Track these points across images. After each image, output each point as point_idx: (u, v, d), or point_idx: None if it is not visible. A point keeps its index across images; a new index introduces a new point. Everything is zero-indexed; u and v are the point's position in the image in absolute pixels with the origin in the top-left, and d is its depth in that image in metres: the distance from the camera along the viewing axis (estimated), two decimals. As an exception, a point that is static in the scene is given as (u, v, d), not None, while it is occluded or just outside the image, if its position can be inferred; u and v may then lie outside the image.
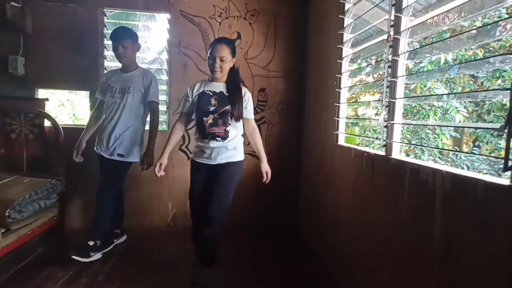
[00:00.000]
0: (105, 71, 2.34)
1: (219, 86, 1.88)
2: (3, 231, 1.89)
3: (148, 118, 2.31)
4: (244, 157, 1.97)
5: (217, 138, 1.84)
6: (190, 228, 1.99)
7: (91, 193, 2.70)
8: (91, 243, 2.13)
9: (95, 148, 2.27)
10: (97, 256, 2.15)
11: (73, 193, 2.68)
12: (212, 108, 1.83)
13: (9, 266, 2.01)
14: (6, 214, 1.89)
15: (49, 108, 2.71)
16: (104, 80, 2.29)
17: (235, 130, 1.89)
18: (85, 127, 2.34)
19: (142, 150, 2.27)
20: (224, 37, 2.03)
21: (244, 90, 1.91)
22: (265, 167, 1.95)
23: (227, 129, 1.85)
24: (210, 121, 1.83)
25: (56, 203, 2.44)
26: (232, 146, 1.89)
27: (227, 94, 1.86)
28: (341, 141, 2.08)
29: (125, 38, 2.16)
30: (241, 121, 1.89)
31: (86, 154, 2.69)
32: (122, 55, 2.18)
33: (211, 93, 1.86)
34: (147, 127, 2.32)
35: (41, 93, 2.74)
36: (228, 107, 1.83)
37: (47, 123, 2.59)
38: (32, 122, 2.58)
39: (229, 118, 1.84)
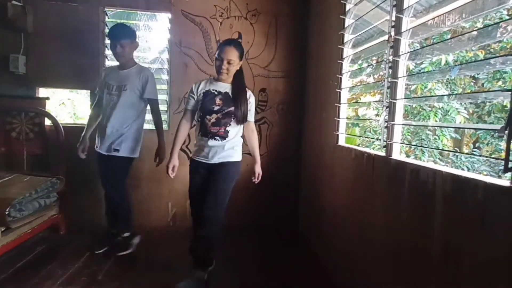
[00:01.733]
0: (104, 68, 2.33)
1: (225, 86, 1.89)
2: (3, 229, 1.88)
3: (148, 117, 2.33)
4: (241, 158, 1.97)
5: (216, 137, 1.85)
6: (190, 228, 2.00)
7: (91, 192, 2.72)
8: (126, 234, 2.31)
9: (95, 147, 2.27)
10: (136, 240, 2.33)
11: (73, 192, 2.68)
12: (216, 108, 1.84)
13: (9, 264, 2.01)
14: (6, 213, 1.88)
15: (49, 107, 2.72)
16: (102, 77, 2.29)
17: (235, 130, 1.90)
18: (85, 125, 2.34)
19: (140, 147, 2.30)
20: (234, 39, 2.01)
21: (249, 93, 1.93)
22: (258, 169, 2.00)
23: (227, 129, 1.86)
24: (213, 120, 1.84)
25: (56, 201, 2.44)
26: (230, 146, 1.89)
27: (231, 95, 1.87)
28: (342, 141, 2.08)
29: (124, 37, 2.14)
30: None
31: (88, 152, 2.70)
32: (120, 54, 2.17)
33: (216, 93, 1.86)
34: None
35: (42, 92, 2.74)
36: (232, 108, 1.84)
37: (47, 122, 2.59)
38: (33, 121, 2.58)
39: (232, 119, 1.86)
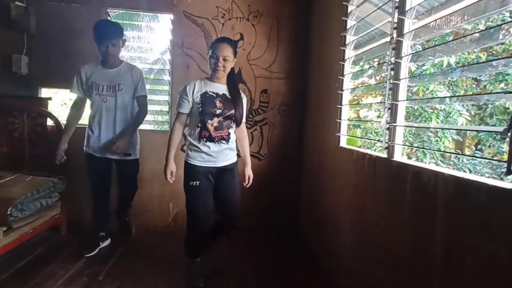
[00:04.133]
0: (82, 67, 2.20)
1: (221, 88, 1.85)
2: (4, 229, 1.89)
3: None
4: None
5: (222, 141, 1.84)
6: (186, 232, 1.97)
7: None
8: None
9: (86, 149, 2.20)
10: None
11: (75, 192, 2.68)
12: (218, 111, 1.80)
13: (10, 264, 2.02)
14: (8, 213, 1.89)
15: (51, 107, 2.73)
16: (82, 77, 2.16)
17: (233, 132, 1.91)
18: (66, 126, 2.23)
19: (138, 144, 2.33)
20: (226, 36, 1.97)
21: (242, 93, 1.93)
22: (249, 172, 2.02)
23: (229, 131, 1.86)
24: (216, 124, 1.80)
25: (57, 201, 2.45)
26: (233, 147, 1.92)
27: (229, 97, 1.85)
28: (343, 143, 2.08)
29: (115, 36, 2.08)
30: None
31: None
32: (111, 54, 2.10)
33: (214, 95, 1.81)
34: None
35: (44, 92, 2.75)
36: (232, 111, 1.82)
37: (49, 122, 2.60)
38: (35, 121, 2.59)
39: (232, 121, 1.85)
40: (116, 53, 2.14)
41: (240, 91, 1.92)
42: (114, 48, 2.09)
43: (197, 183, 1.82)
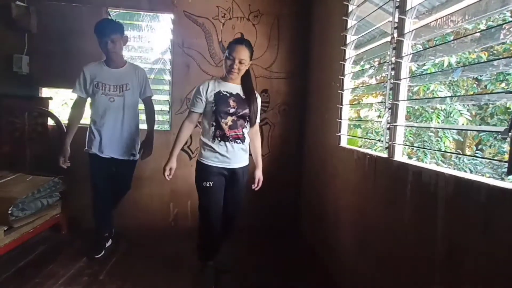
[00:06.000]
0: (86, 66, 2.17)
1: (235, 88, 1.84)
2: (5, 229, 1.90)
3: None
4: None
5: (237, 141, 1.82)
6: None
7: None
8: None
9: (89, 149, 2.16)
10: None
11: (75, 192, 2.68)
12: (232, 110, 1.78)
13: (11, 263, 2.02)
14: (9, 212, 1.90)
15: (52, 107, 2.73)
16: (86, 77, 2.13)
17: (247, 132, 1.88)
18: (67, 126, 2.20)
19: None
20: (245, 38, 2.00)
21: (257, 94, 1.91)
22: (259, 174, 1.99)
23: (243, 131, 1.84)
24: (230, 123, 1.79)
25: (58, 201, 2.45)
26: (246, 149, 1.89)
27: (243, 97, 1.83)
28: (344, 143, 2.08)
29: (113, 32, 2.06)
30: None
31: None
32: (112, 51, 2.09)
33: (228, 94, 1.80)
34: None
35: (45, 92, 2.75)
36: (246, 111, 1.81)
37: (50, 121, 2.61)
38: (36, 120, 2.59)
39: (246, 121, 1.84)
40: (117, 51, 2.13)
41: (255, 92, 1.90)
42: (114, 45, 2.08)
43: (211, 183, 1.79)
